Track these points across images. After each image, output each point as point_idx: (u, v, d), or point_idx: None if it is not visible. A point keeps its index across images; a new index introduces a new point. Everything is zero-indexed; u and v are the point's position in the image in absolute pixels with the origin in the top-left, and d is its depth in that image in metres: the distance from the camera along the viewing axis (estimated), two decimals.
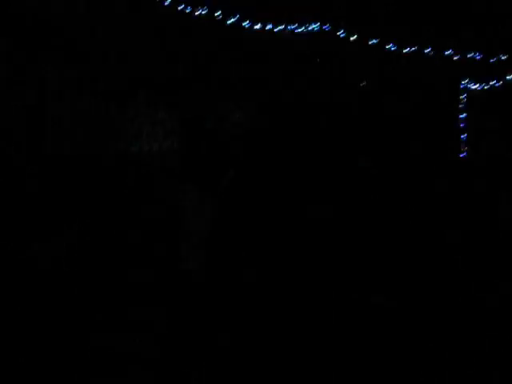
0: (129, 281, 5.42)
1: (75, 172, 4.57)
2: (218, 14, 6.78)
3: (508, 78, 6.42)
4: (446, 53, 7.74)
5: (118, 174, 5.59)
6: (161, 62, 7.17)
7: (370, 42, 7.73)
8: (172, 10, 6.53)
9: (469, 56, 7.20)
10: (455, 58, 7.64)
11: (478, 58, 7.12)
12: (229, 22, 6.79)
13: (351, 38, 7.68)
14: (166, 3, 6.16)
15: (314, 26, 7.74)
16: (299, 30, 7.63)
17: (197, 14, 6.65)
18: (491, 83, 7.08)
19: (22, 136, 3.82)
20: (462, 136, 7.27)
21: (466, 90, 7.38)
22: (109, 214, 5.20)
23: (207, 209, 3.97)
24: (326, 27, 7.67)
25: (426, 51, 7.90)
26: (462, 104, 7.27)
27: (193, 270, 3.93)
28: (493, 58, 7.00)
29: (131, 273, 5.53)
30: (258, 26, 7.30)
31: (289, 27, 7.59)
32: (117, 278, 5.47)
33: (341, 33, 7.69)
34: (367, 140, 7.59)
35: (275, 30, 7.47)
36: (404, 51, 7.78)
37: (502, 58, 6.56)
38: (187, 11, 6.66)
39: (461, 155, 6.60)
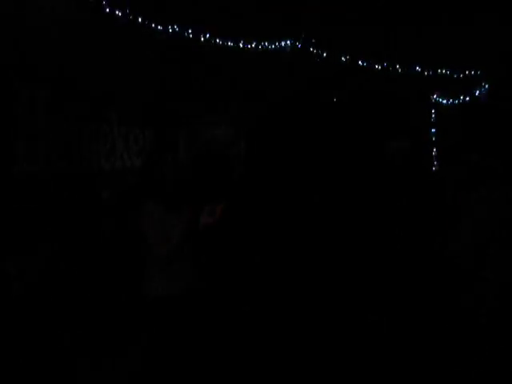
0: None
1: (47, 190, 4.48)
2: (189, 31, 6.80)
3: (476, 93, 6.58)
4: (416, 68, 7.92)
5: (91, 191, 5.51)
6: (134, 80, 7.13)
7: (343, 58, 7.85)
8: (142, 29, 6.51)
9: (438, 72, 7.35)
10: (425, 74, 7.82)
11: (447, 73, 7.28)
12: (202, 39, 6.82)
13: (324, 55, 7.79)
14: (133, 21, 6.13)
15: (286, 43, 7.84)
16: (271, 47, 7.70)
17: (169, 31, 6.65)
18: (460, 98, 7.25)
19: None
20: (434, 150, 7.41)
21: (436, 104, 7.53)
22: (81, 232, 5.12)
23: (176, 233, 3.53)
24: (299, 45, 7.77)
25: (396, 67, 8.06)
26: (432, 119, 7.42)
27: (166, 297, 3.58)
28: (461, 74, 7.16)
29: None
30: (230, 43, 7.35)
31: (260, 44, 7.65)
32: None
33: (313, 50, 7.80)
34: (340, 155, 7.66)
35: (247, 46, 7.53)
36: (376, 66, 7.92)
37: (470, 73, 6.73)
38: (159, 28, 6.65)
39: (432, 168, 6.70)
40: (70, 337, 4.60)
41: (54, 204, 4.54)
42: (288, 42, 7.93)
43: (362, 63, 7.93)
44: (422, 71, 7.77)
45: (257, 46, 7.56)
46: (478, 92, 6.56)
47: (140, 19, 6.08)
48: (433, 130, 7.53)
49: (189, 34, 6.77)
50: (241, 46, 7.37)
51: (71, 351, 4.64)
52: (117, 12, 5.70)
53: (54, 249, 4.56)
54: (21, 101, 4.06)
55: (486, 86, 6.29)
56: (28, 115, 4.18)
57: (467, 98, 6.99)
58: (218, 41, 7.13)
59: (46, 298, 4.38)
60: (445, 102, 7.42)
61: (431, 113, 7.51)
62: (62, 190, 4.71)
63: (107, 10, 5.55)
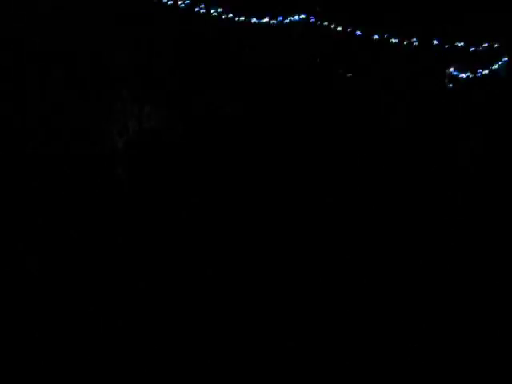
0: None
1: (61, 171, 4.47)
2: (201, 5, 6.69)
3: (494, 67, 6.43)
4: (432, 42, 7.75)
5: (104, 169, 5.49)
6: (144, 57, 7.06)
7: (357, 33, 7.72)
8: (152, 4, 6.43)
9: (455, 45, 7.20)
10: (441, 48, 7.65)
11: (462, 46, 7.11)
12: (213, 13, 6.71)
13: (337, 29, 7.66)
14: None
15: (299, 17, 7.70)
16: (284, 21, 7.58)
17: (179, 4, 6.56)
18: (478, 72, 7.09)
19: (4, 136, 3.72)
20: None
21: (452, 78, 7.39)
22: (95, 210, 5.11)
23: None
24: (312, 18, 7.64)
25: (412, 41, 7.90)
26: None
27: None
28: (477, 47, 6.99)
29: None
30: (242, 18, 7.23)
31: (272, 20, 7.53)
32: None
33: (326, 24, 7.66)
34: (353, 133, 7.56)
35: (258, 21, 7.41)
36: (391, 40, 7.77)
37: (486, 45, 6.56)
38: (169, 3, 6.57)
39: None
40: None
41: (69, 182, 4.54)
42: (301, 16, 7.79)
43: (378, 37, 7.77)
44: (440, 45, 7.61)
45: (269, 20, 7.44)
46: (496, 66, 6.40)
47: None
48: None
49: (200, 9, 6.67)
50: (253, 21, 7.25)
51: None
52: None
53: (69, 227, 4.57)
54: (33, 81, 4.02)
55: (505, 59, 6.13)
56: (40, 95, 4.16)
57: (485, 72, 6.83)
58: (230, 16, 7.02)
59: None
60: (462, 76, 7.27)
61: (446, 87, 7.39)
62: (75, 168, 4.70)
63: None
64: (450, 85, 7.16)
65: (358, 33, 7.77)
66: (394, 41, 7.86)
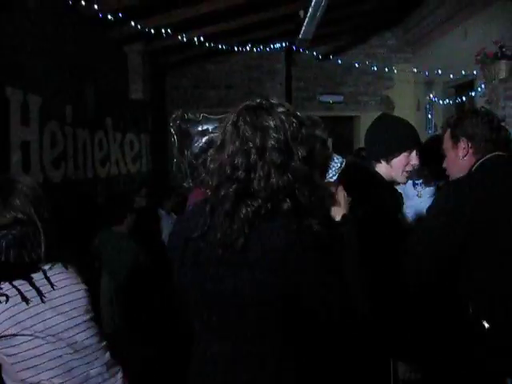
0: None
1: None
2: (183, 35, 6.72)
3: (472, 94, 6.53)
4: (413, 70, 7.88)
5: (86, 198, 5.45)
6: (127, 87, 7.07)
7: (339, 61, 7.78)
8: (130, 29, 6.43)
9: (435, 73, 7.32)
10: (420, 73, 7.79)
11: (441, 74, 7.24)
12: (196, 42, 6.74)
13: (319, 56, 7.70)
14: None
15: (281, 45, 7.73)
16: (266, 50, 7.61)
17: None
18: (456, 99, 7.20)
19: None
20: None
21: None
22: (77, 239, 5.04)
23: None
24: (294, 47, 7.69)
25: (393, 68, 8.00)
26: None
27: None
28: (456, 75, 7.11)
29: None
30: (224, 47, 7.28)
31: (254, 47, 7.59)
32: None
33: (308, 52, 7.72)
34: None
35: (242, 49, 7.45)
36: (372, 69, 7.86)
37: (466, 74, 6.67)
38: (152, 32, 6.59)
39: None
40: None
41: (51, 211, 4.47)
42: (283, 44, 7.87)
43: (358, 64, 7.91)
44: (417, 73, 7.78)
45: (251, 48, 7.50)
46: (474, 93, 6.52)
47: (132, 22, 5.98)
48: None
49: (183, 37, 6.68)
50: (235, 49, 7.30)
51: None
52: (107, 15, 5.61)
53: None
54: (13, 109, 4.00)
55: (482, 86, 6.25)
56: (21, 123, 4.12)
57: (463, 99, 6.94)
58: (212, 45, 7.05)
59: None
60: (441, 102, 7.39)
61: None
62: (56, 197, 4.65)
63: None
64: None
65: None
66: (373, 69, 7.99)
